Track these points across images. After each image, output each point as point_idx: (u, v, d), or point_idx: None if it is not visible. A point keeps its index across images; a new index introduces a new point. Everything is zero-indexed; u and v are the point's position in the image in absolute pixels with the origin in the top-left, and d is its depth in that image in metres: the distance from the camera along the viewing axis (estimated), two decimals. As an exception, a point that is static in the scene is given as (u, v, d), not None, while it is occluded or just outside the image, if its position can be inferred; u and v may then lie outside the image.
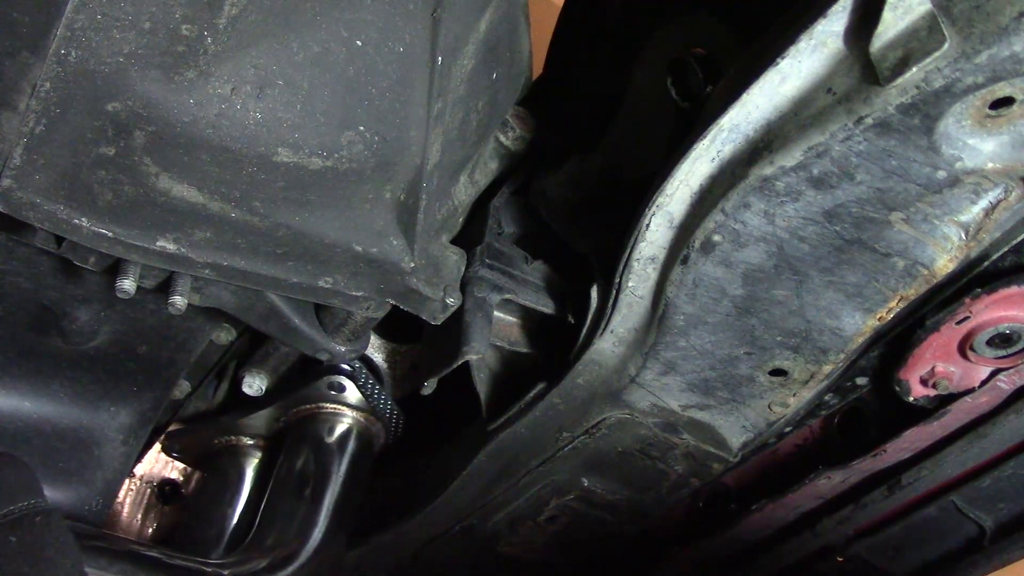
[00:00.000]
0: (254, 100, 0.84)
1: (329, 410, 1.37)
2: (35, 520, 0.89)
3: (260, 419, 1.42)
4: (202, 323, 1.21)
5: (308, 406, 1.38)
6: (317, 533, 1.28)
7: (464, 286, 1.16)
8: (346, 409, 1.37)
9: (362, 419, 1.38)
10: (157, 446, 1.53)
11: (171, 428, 1.52)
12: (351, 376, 1.36)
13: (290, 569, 1.24)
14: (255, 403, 1.42)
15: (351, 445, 1.37)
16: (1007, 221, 0.95)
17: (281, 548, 1.27)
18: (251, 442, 1.46)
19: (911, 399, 1.15)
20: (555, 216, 1.30)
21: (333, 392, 1.36)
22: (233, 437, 1.46)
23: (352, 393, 1.37)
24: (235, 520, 1.44)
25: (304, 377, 1.37)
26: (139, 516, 1.64)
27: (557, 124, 1.37)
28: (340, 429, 1.37)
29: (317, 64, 0.86)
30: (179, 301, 0.93)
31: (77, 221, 0.84)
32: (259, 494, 1.43)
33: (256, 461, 1.47)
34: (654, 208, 1.00)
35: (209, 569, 1.22)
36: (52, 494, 1.22)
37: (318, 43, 0.85)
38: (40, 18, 0.76)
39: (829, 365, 1.07)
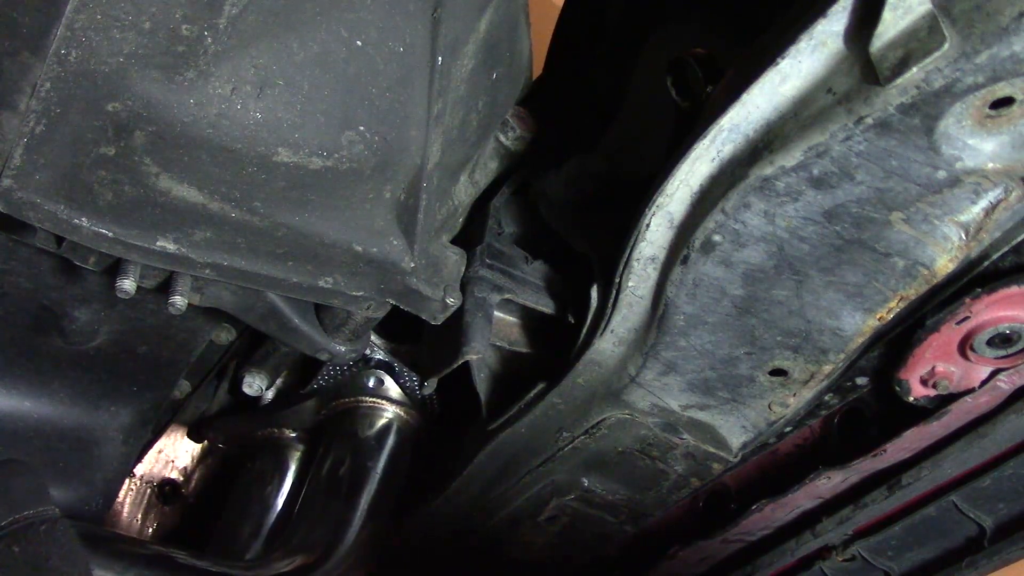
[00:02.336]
0: (254, 100, 0.84)
1: (368, 404, 1.35)
2: (39, 529, 0.88)
3: (302, 411, 1.40)
4: (202, 323, 1.21)
5: (348, 399, 1.35)
6: (352, 532, 1.25)
7: (464, 286, 1.16)
8: (386, 403, 1.35)
9: (402, 413, 1.36)
10: (157, 446, 1.53)
11: (214, 416, 1.49)
12: (390, 370, 1.35)
13: (324, 568, 1.22)
14: (298, 395, 1.40)
15: (390, 440, 1.35)
16: (1007, 221, 0.95)
17: (313, 549, 1.24)
18: (293, 435, 1.43)
19: (911, 399, 1.15)
20: (555, 216, 1.30)
21: (373, 386, 1.35)
22: (275, 429, 1.44)
23: (392, 387, 1.35)
24: (275, 515, 1.42)
25: (346, 369, 1.36)
26: (139, 516, 1.64)
27: (557, 124, 1.37)
28: (379, 424, 1.35)
29: (317, 64, 0.86)
30: (179, 301, 0.93)
31: (77, 221, 0.84)
32: (300, 488, 1.40)
33: (299, 454, 1.45)
34: (654, 208, 1.00)
35: (236, 572, 1.20)
36: (52, 494, 1.22)
37: (318, 43, 0.85)
38: (40, 18, 0.76)
39: (829, 365, 1.07)
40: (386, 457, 1.34)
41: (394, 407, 1.36)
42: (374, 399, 1.35)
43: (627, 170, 1.32)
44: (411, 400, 1.37)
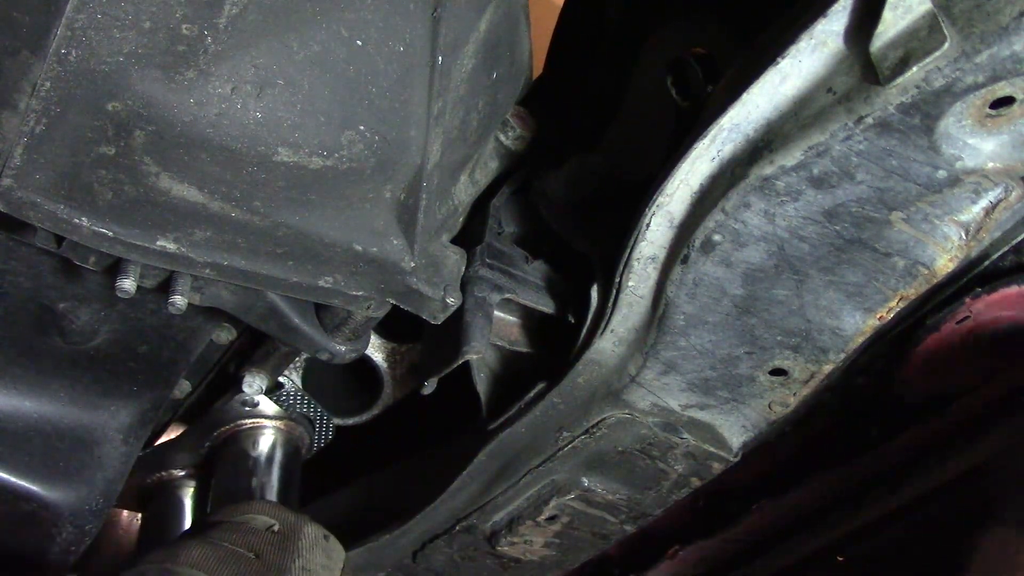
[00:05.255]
0: (254, 100, 0.83)
1: (248, 425, 1.38)
2: None
3: (185, 449, 1.43)
4: (202, 323, 1.21)
5: (228, 426, 1.38)
6: None
7: (464, 286, 1.15)
8: (265, 420, 1.39)
9: (283, 426, 1.39)
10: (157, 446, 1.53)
11: None
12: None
13: None
14: (177, 436, 1.42)
15: (278, 454, 1.39)
16: (1007, 221, 0.95)
17: None
18: (182, 473, 1.46)
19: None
20: (555, 216, 1.30)
21: (248, 407, 1.37)
22: (164, 473, 1.46)
23: (267, 404, 1.38)
24: None
25: (216, 399, 1.38)
26: (139, 516, 1.64)
27: (557, 124, 1.37)
28: (264, 441, 1.38)
29: (317, 64, 0.85)
30: (179, 301, 0.93)
31: (77, 221, 0.84)
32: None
33: (192, 490, 1.47)
34: (654, 208, 1.00)
35: None
36: (52, 494, 1.22)
37: (318, 43, 0.85)
38: (40, 18, 0.76)
39: (829, 365, 1.07)
40: (279, 471, 1.37)
41: (274, 422, 1.39)
42: (253, 419, 1.38)
43: (627, 170, 1.32)
44: (287, 413, 1.40)
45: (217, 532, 0.98)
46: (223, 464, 1.39)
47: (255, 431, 1.39)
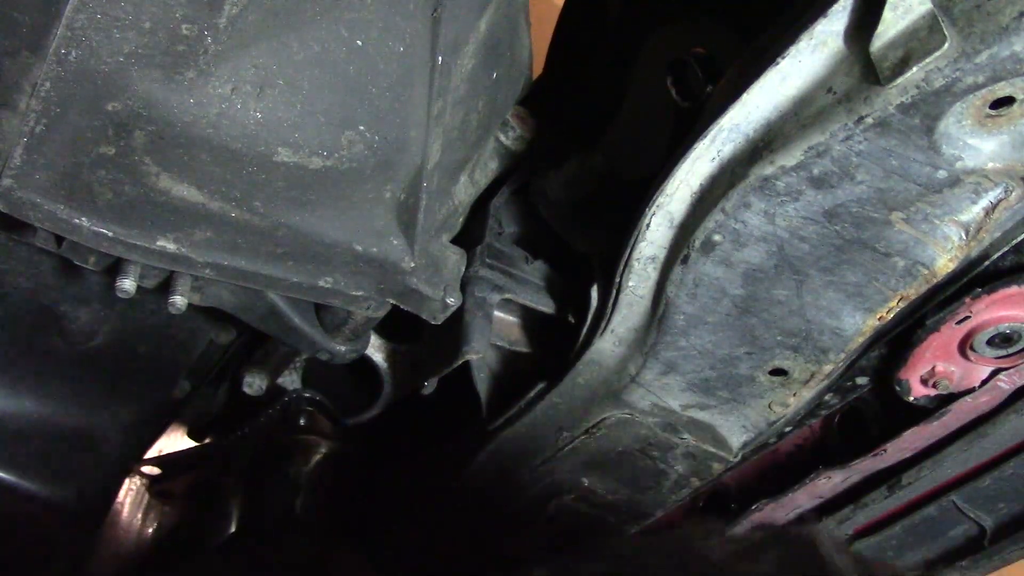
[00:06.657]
0: (254, 100, 0.84)
1: (302, 440, 1.40)
2: None
3: (239, 454, 1.43)
4: (202, 323, 1.21)
5: (282, 438, 1.40)
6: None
7: (464, 286, 1.16)
8: (318, 438, 1.40)
9: (334, 445, 1.41)
10: (157, 446, 1.53)
11: (157, 474, 1.52)
12: (318, 405, 1.38)
13: None
14: (234, 438, 1.43)
15: (325, 473, 1.40)
16: (1007, 221, 0.95)
17: None
18: (232, 480, 1.47)
19: (911, 399, 1.15)
20: (555, 216, 1.30)
21: (305, 423, 1.39)
22: (216, 476, 1.48)
23: (323, 422, 1.40)
24: None
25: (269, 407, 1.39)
26: (139, 516, 1.64)
27: (557, 124, 1.37)
28: (314, 458, 1.40)
29: (317, 64, 0.86)
30: (179, 301, 0.93)
31: (77, 221, 0.84)
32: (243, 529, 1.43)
33: (239, 499, 1.48)
34: (654, 208, 1.00)
35: None
36: (52, 494, 1.22)
37: (318, 43, 0.85)
38: (40, 18, 0.76)
39: (829, 365, 1.07)
40: (323, 491, 1.39)
41: (326, 440, 1.41)
42: (307, 435, 1.40)
43: (627, 170, 1.32)
44: (340, 432, 1.42)
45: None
46: (269, 475, 1.41)
47: (309, 447, 1.40)
